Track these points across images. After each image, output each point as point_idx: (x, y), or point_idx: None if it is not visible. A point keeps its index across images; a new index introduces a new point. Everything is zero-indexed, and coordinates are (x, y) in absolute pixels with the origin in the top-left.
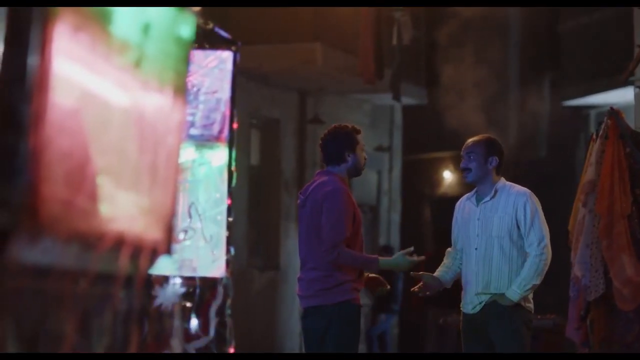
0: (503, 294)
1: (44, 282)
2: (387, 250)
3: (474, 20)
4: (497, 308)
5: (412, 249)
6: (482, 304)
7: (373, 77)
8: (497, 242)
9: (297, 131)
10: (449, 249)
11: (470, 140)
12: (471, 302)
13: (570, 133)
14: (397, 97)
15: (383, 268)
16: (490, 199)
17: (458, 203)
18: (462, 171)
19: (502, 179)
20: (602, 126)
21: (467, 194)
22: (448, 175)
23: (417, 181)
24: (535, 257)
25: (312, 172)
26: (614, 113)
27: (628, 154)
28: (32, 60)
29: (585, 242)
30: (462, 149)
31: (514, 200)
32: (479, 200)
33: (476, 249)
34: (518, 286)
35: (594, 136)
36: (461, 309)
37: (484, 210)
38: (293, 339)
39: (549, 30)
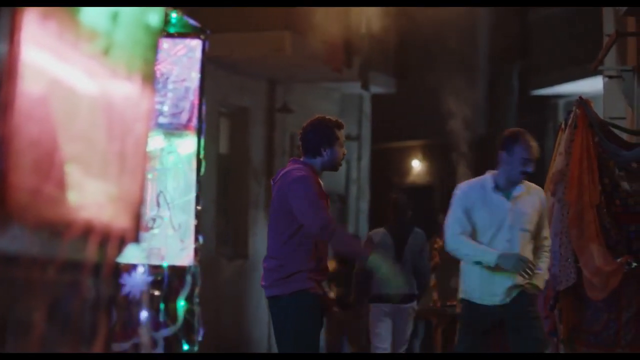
0: (531, 284)
1: (12, 270)
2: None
3: (443, 10)
4: (525, 298)
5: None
6: (512, 296)
7: (341, 65)
8: (528, 235)
9: (266, 120)
10: (462, 234)
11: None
12: (500, 294)
13: (539, 122)
14: (365, 86)
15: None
16: (522, 193)
17: (470, 190)
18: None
19: None
20: (571, 115)
21: (479, 183)
22: (416, 164)
23: (385, 170)
24: (549, 249)
25: (281, 161)
26: (583, 102)
27: (597, 143)
28: (1, 48)
29: (554, 231)
30: (534, 154)
31: (539, 197)
32: (506, 192)
33: (508, 240)
34: (542, 276)
35: (563, 125)
36: (471, 300)
37: (518, 204)
38: (261, 328)
39: (518, 19)
